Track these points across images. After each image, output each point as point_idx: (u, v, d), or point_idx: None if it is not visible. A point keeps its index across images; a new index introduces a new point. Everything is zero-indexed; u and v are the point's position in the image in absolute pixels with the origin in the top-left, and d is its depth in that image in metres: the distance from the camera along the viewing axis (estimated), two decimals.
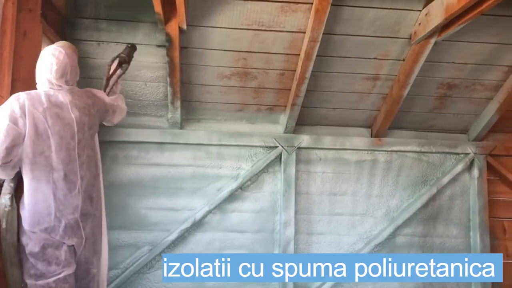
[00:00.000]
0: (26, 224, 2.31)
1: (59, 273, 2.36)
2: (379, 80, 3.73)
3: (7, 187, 2.29)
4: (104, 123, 2.92)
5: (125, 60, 2.95)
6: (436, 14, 2.99)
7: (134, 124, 3.86)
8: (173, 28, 3.09)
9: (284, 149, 3.99)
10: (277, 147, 3.99)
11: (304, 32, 3.27)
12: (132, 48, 3.06)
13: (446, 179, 4.14)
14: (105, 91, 2.86)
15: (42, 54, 2.43)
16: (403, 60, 3.54)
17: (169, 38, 3.15)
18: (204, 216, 3.90)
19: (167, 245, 3.81)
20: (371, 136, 4.15)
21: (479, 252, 4.06)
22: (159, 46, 3.36)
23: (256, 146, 4.00)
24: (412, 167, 4.18)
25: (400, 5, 3.13)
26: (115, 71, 2.93)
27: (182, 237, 3.86)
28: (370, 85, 3.77)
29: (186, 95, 3.76)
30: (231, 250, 3.92)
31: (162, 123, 3.94)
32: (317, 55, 3.33)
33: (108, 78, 2.91)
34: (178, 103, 3.71)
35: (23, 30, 2.48)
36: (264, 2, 3.09)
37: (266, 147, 4.01)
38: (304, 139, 4.03)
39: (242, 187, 3.98)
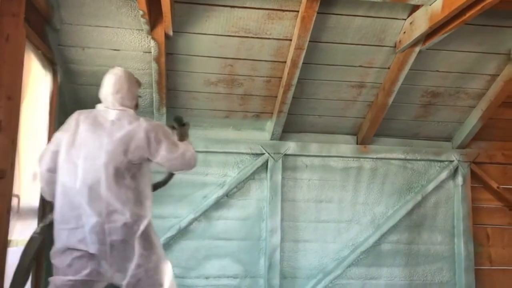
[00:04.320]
0: None
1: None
2: (365, 88, 3.76)
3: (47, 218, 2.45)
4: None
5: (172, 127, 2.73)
6: (420, 23, 3.03)
7: None
8: (159, 34, 3.08)
9: (271, 156, 3.99)
10: (263, 154, 3.99)
11: (291, 40, 3.28)
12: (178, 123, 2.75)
13: (430, 187, 4.18)
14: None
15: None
16: (388, 68, 3.58)
17: (155, 45, 3.13)
18: (190, 223, 3.86)
19: None
20: (357, 144, 4.17)
21: (463, 259, 4.10)
22: (145, 52, 3.34)
23: (242, 153, 3.99)
24: (397, 174, 4.21)
25: (385, 14, 3.17)
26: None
27: (168, 245, 3.82)
28: (356, 93, 3.80)
29: (172, 101, 3.74)
30: (216, 258, 3.90)
31: None
32: (303, 63, 3.35)
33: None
34: (164, 110, 3.68)
35: (6, 34, 2.44)
36: (251, 10, 3.10)
37: (253, 154, 4.00)
38: (291, 146, 4.03)
39: (228, 194, 3.96)
